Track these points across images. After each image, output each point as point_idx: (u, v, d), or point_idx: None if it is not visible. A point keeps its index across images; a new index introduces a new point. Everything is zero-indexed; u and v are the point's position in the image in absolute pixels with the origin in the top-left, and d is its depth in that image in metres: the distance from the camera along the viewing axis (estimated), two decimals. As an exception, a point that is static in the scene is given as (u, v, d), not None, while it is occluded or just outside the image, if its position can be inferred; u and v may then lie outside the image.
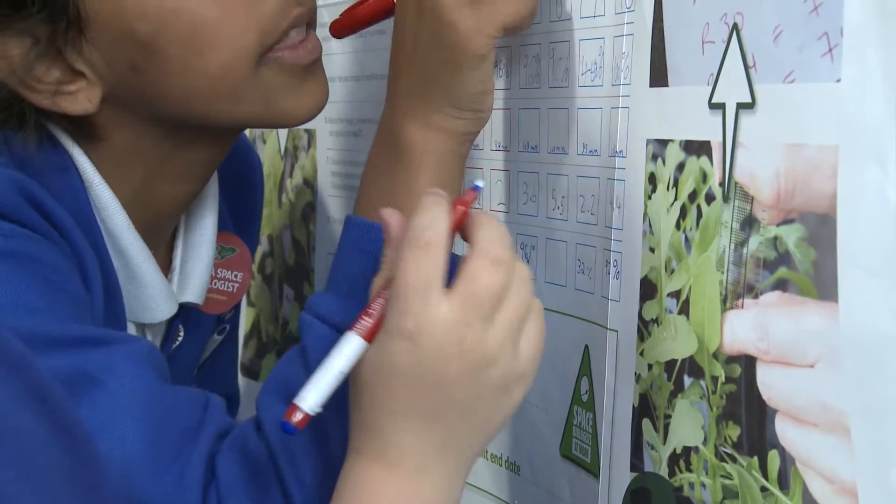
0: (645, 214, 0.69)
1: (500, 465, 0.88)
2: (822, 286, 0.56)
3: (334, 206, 1.10)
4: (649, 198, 0.69)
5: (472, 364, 0.64)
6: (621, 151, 0.72)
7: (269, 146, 1.21)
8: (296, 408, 0.63)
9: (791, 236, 0.58)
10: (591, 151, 0.75)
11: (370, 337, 0.64)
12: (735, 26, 0.61)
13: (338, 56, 1.05)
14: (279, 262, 1.19)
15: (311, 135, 1.13)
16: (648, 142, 0.69)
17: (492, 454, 0.88)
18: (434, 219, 0.64)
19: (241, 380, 1.29)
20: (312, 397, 0.63)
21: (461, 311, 0.63)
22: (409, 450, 0.65)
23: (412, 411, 0.65)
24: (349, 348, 0.64)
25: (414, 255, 0.63)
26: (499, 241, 0.64)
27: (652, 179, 0.68)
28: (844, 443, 0.56)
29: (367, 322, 0.64)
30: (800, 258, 0.58)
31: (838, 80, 0.54)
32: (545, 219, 0.80)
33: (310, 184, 1.14)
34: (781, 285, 0.59)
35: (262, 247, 1.22)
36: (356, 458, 0.67)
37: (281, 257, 1.19)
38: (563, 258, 0.79)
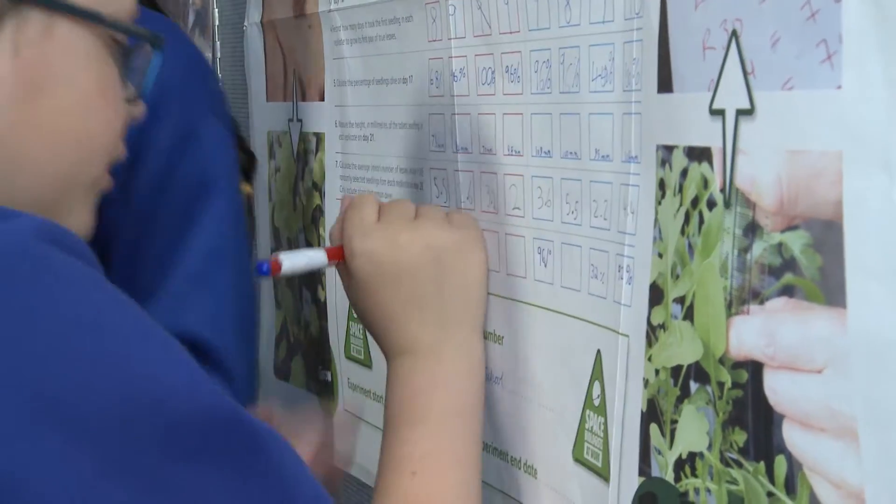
0: (655, 220, 0.70)
1: (519, 468, 0.88)
2: (830, 291, 0.56)
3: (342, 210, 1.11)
4: (659, 203, 0.69)
5: (421, 246, 0.84)
6: (636, 157, 0.72)
7: (284, 148, 1.22)
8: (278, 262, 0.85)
9: (796, 242, 0.58)
10: (603, 157, 0.75)
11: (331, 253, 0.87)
12: (734, 33, 0.61)
13: (348, 60, 1.06)
14: (297, 267, 1.20)
15: (319, 138, 1.14)
16: (658, 147, 0.69)
17: (511, 457, 0.89)
18: (361, 195, 0.88)
19: (274, 381, 1.30)
20: (289, 261, 0.86)
21: (389, 220, 0.85)
22: (418, 335, 0.84)
23: (401, 303, 0.84)
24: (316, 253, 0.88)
25: (353, 206, 0.87)
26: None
27: (662, 185, 0.69)
28: (852, 448, 0.55)
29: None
30: (806, 264, 0.57)
31: (839, 87, 0.54)
32: (560, 223, 0.81)
33: (318, 187, 1.15)
34: (788, 291, 0.59)
35: (284, 248, 1.23)
36: (390, 365, 0.85)
37: (299, 261, 1.20)
38: (577, 263, 0.79)
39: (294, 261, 0.87)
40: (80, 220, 0.76)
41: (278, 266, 0.86)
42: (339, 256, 0.88)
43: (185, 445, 0.57)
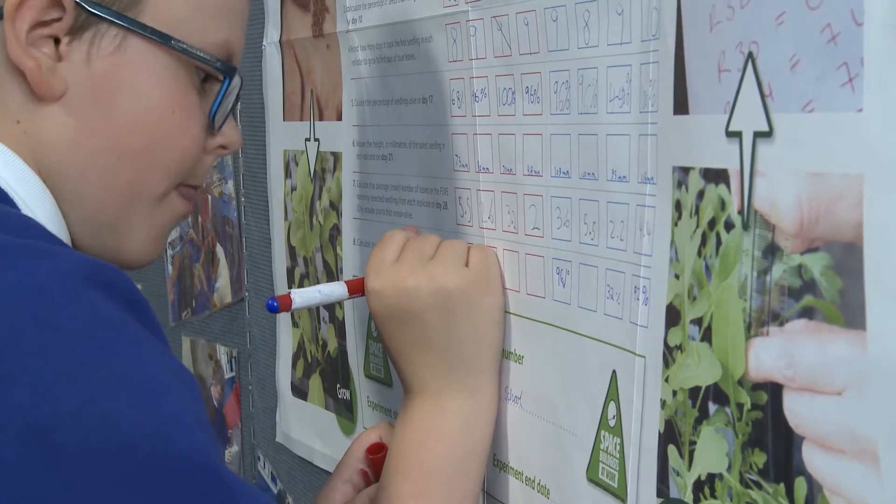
0: (672, 241, 0.69)
1: (533, 488, 0.88)
2: (850, 314, 0.56)
3: (358, 229, 1.11)
4: (676, 225, 0.69)
5: (427, 292, 0.84)
6: (652, 178, 0.72)
7: (301, 167, 1.22)
8: (288, 299, 0.87)
9: (816, 265, 0.58)
10: (620, 178, 0.75)
11: (351, 286, 0.90)
12: (750, 55, 0.61)
13: (366, 80, 1.06)
14: (313, 284, 1.20)
15: (337, 158, 1.14)
16: (674, 169, 0.69)
17: (526, 476, 0.89)
18: (393, 231, 0.90)
19: (291, 399, 1.30)
20: (301, 298, 0.88)
21: (404, 260, 0.86)
22: (423, 376, 0.85)
23: (409, 346, 0.85)
24: (333, 288, 0.90)
25: (379, 243, 0.89)
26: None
27: (678, 206, 0.69)
28: (873, 470, 0.55)
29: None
30: (826, 286, 0.57)
31: (860, 110, 0.54)
32: (578, 244, 0.81)
33: (335, 207, 1.15)
34: (807, 313, 0.59)
35: (300, 268, 1.24)
36: (403, 398, 0.88)
37: (315, 278, 1.20)
38: (594, 283, 0.79)
39: (306, 297, 0.89)
40: (140, 239, 0.79)
41: (289, 303, 0.88)
42: (361, 290, 0.90)
43: (154, 487, 0.58)
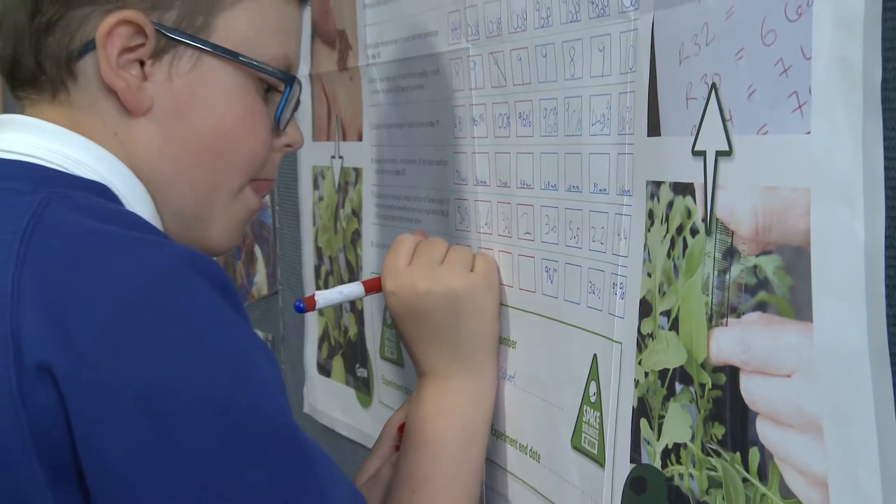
0: (645, 245, 0.69)
1: (526, 454, 0.87)
2: (798, 308, 0.55)
3: (376, 233, 1.10)
4: (648, 231, 0.68)
5: (438, 294, 0.84)
6: (629, 191, 0.71)
7: (327, 181, 1.21)
8: (313, 300, 0.87)
9: (769, 265, 0.57)
10: (600, 190, 0.75)
11: (367, 285, 0.89)
12: (714, 85, 0.60)
13: (384, 107, 1.06)
14: (337, 280, 1.20)
15: (358, 173, 1.14)
16: (647, 183, 0.68)
17: (520, 444, 0.88)
18: (403, 236, 0.89)
19: (317, 376, 1.29)
20: (323, 299, 0.88)
21: (417, 264, 0.86)
22: (434, 363, 0.86)
23: (422, 338, 0.86)
24: (351, 288, 0.90)
25: (392, 247, 0.89)
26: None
27: (651, 215, 0.68)
28: (817, 442, 0.54)
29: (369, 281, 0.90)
30: (777, 284, 0.57)
31: (808, 132, 0.53)
32: (564, 246, 0.80)
33: (357, 214, 1.14)
34: (761, 307, 0.58)
35: (325, 266, 1.23)
36: (416, 386, 0.88)
37: (339, 275, 1.20)
38: (578, 280, 0.79)
39: (328, 297, 0.88)
40: (221, 228, 0.78)
41: (313, 303, 0.87)
42: (376, 288, 0.89)
43: (243, 445, 0.59)
